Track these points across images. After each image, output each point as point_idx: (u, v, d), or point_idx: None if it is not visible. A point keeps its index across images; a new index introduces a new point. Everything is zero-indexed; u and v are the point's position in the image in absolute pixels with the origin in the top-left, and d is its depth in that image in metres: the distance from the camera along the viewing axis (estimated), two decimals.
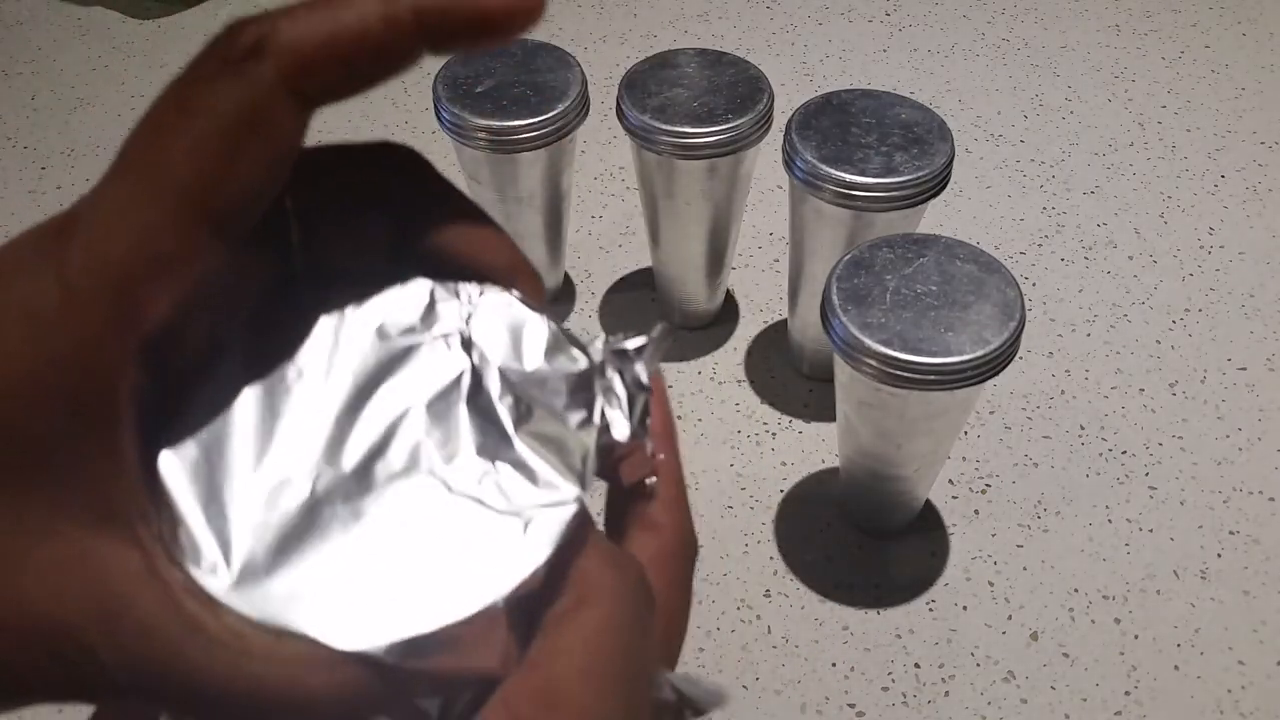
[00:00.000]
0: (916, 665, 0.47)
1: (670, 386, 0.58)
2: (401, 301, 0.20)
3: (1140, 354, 0.60)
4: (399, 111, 0.78)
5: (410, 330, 0.19)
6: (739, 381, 0.59)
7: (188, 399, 0.18)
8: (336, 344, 0.19)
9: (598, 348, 0.20)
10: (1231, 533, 0.51)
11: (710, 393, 0.58)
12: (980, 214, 0.68)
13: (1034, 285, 0.63)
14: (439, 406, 0.19)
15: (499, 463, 0.18)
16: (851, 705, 0.46)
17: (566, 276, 0.65)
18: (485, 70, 0.53)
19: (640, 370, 0.20)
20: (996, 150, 0.73)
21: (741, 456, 0.55)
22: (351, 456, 0.18)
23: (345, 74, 0.16)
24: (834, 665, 0.47)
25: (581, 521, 0.18)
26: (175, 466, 0.17)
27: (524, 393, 0.19)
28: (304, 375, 0.19)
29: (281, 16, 0.16)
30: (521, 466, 0.18)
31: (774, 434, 0.56)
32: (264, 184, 0.16)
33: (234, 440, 0.18)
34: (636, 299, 0.64)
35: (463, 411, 0.19)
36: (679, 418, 0.57)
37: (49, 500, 0.16)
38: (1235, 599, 0.49)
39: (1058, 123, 0.75)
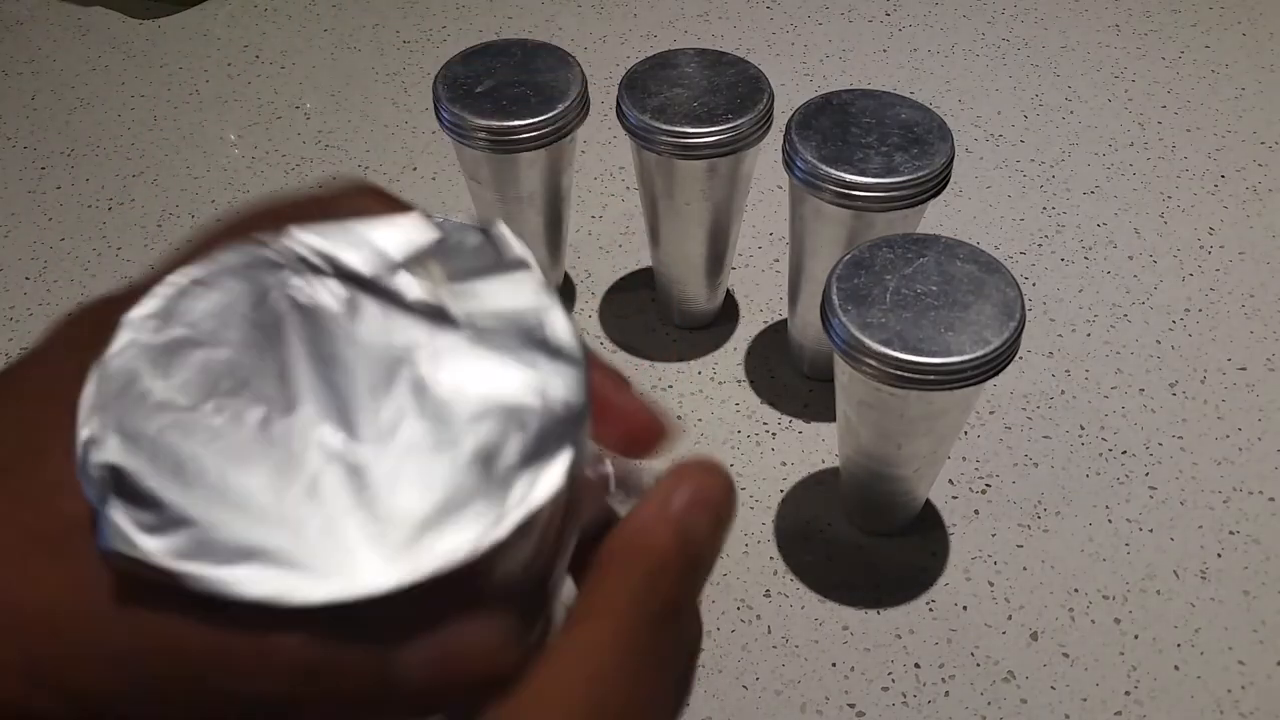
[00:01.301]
0: (916, 665, 0.47)
1: (670, 387, 0.58)
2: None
3: (1140, 354, 0.60)
4: (399, 111, 0.78)
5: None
6: (739, 381, 0.59)
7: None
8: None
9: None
10: (1231, 533, 0.51)
11: (710, 393, 0.58)
12: (980, 214, 0.68)
13: (1034, 285, 0.63)
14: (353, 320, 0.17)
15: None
16: (851, 705, 0.46)
17: (566, 276, 0.65)
18: (485, 70, 0.53)
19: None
20: (996, 150, 0.73)
21: (741, 456, 0.55)
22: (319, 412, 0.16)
23: None
24: (834, 665, 0.47)
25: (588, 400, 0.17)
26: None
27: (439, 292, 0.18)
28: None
29: None
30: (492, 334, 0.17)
31: (774, 434, 0.56)
32: None
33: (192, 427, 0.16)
34: (636, 299, 0.64)
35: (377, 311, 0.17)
36: (679, 418, 0.57)
37: None
38: (1235, 599, 0.49)
39: (1058, 123, 0.75)
